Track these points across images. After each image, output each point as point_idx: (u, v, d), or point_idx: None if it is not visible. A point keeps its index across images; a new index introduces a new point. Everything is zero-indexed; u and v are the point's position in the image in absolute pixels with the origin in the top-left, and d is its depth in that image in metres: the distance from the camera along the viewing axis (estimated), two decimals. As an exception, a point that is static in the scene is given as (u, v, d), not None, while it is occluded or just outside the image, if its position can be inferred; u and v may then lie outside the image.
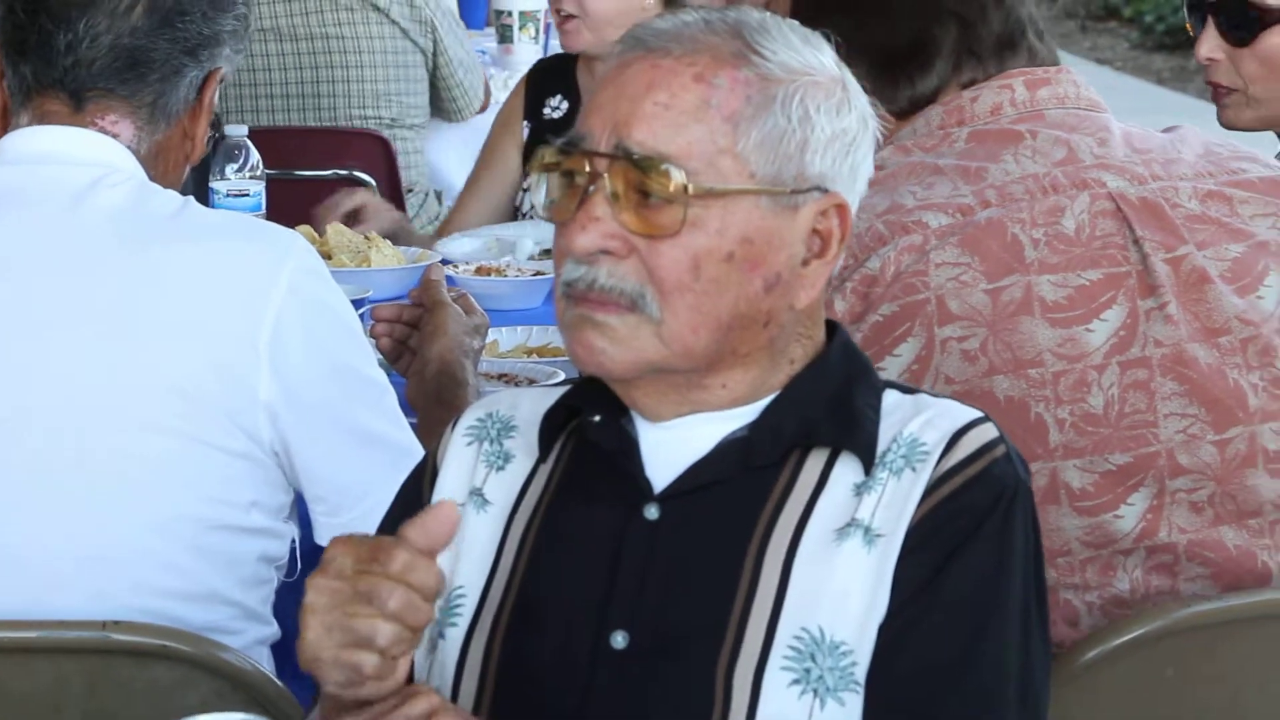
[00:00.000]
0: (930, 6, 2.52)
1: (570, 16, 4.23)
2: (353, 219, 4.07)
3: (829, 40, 1.94)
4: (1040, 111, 2.50)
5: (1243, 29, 3.09)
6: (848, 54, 2.52)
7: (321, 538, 2.43)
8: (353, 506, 2.39)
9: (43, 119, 2.44)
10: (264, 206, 3.78)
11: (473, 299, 2.95)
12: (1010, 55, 2.55)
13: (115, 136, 2.44)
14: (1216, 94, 3.16)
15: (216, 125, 4.03)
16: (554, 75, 4.40)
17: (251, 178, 3.77)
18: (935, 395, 1.95)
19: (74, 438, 2.32)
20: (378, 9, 5.07)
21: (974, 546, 1.85)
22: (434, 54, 5.17)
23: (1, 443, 2.32)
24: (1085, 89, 2.54)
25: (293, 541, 2.46)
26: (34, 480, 2.32)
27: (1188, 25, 3.18)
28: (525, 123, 4.39)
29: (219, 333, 2.33)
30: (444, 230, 4.37)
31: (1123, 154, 2.48)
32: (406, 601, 1.72)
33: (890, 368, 2.36)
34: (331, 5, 5.07)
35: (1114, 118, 2.55)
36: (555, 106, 4.37)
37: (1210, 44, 3.12)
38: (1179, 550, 2.39)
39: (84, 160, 2.41)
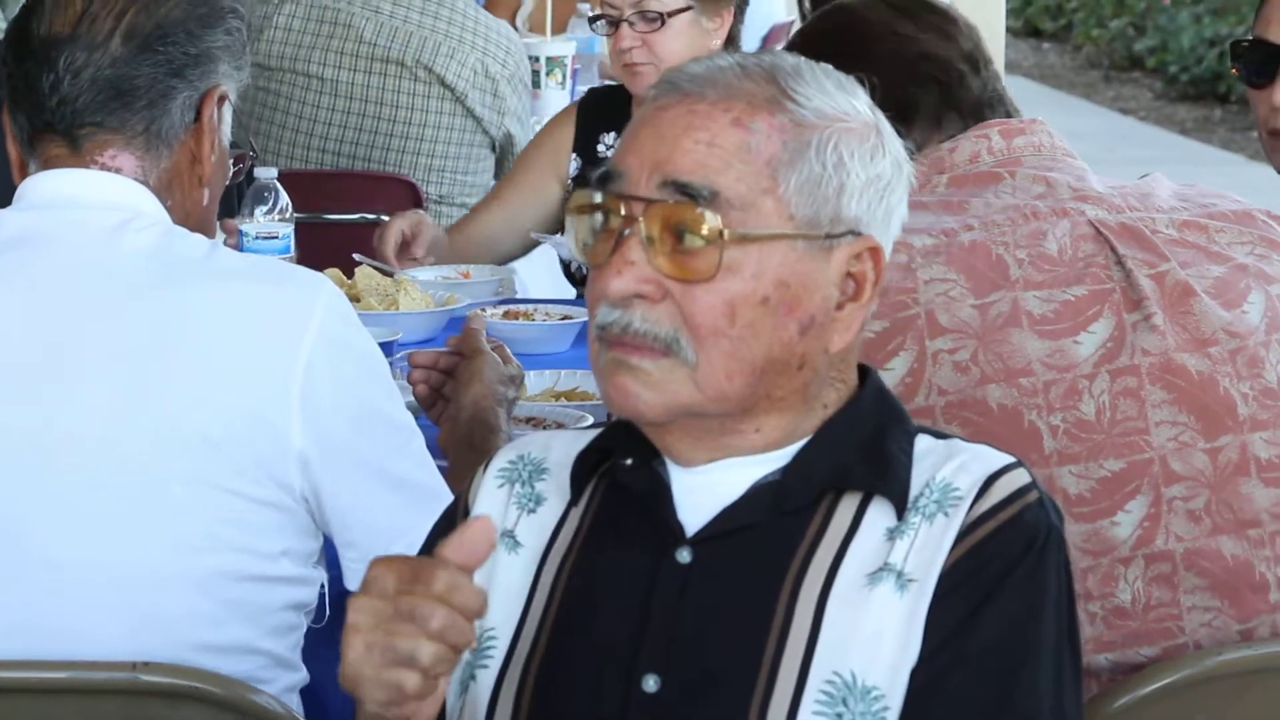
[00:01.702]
0: (910, 73, 2.61)
1: (639, 62, 4.19)
2: (407, 246, 4.07)
3: (863, 84, 1.95)
4: (1018, 158, 2.58)
5: None
6: None
7: (352, 583, 2.42)
8: (384, 551, 2.38)
9: (47, 164, 2.43)
10: (293, 249, 3.79)
11: (508, 350, 2.95)
12: (989, 114, 2.64)
13: (118, 171, 2.41)
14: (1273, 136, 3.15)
15: (245, 163, 4.03)
16: (607, 109, 4.34)
17: (280, 220, 3.78)
18: (967, 440, 1.95)
19: (100, 483, 2.30)
20: (452, 92, 4.98)
21: (1006, 592, 1.85)
22: (504, 142, 5.08)
23: (29, 478, 2.31)
24: (1058, 139, 2.62)
25: (322, 586, 2.45)
26: (59, 524, 2.31)
27: (1234, 70, 3.17)
28: (574, 155, 4.37)
29: (250, 380, 2.32)
30: (453, 234, 4.32)
31: (1100, 188, 2.55)
32: (449, 621, 1.72)
33: (884, 381, 2.41)
34: (408, 75, 4.98)
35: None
36: (610, 145, 4.32)
37: None
38: (1176, 559, 2.40)
39: (105, 204, 2.40)
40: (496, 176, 5.13)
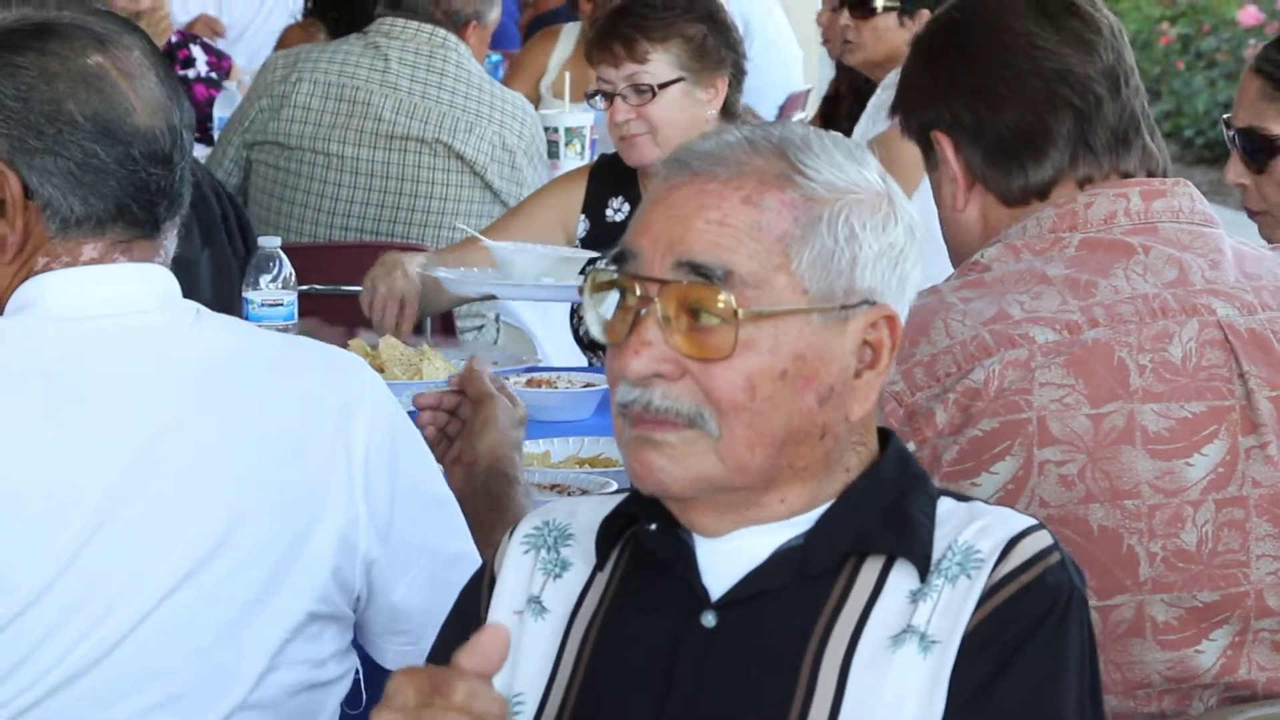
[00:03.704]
0: (1047, 96, 2.50)
1: (636, 134, 4.26)
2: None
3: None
4: (1154, 225, 2.47)
5: (1259, 156, 3.15)
6: (965, 137, 2.50)
7: (396, 665, 2.34)
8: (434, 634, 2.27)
9: (110, 253, 2.27)
10: (296, 316, 3.82)
11: (510, 388, 2.89)
12: (1125, 152, 2.52)
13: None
14: (1249, 214, 3.22)
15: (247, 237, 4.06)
16: (616, 175, 4.43)
17: (284, 288, 3.82)
18: (989, 500, 1.97)
19: (177, 613, 2.22)
20: (470, 166, 5.01)
21: (1028, 654, 1.87)
22: None
23: (114, 610, 2.21)
24: (1200, 203, 2.51)
25: (356, 672, 2.39)
26: (129, 649, 2.22)
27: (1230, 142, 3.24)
28: (583, 217, 4.43)
29: (324, 490, 2.24)
30: (446, 254, 4.31)
31: (1234, 278, 2.45)
32: None
33: (985, 485, 2.35)
34: (426, 150, 5.01)
35: (1225, 234, 2.52)
36: (617, 209, 4.41)
37: (1236, 169, 3.18)
38: (1257, 688, 2.38)
39: (148, 305, 2.29)
40: None
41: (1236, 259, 2.49)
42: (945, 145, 2.54)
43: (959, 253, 2.58)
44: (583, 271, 4.01)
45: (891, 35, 5.15)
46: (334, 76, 5.05)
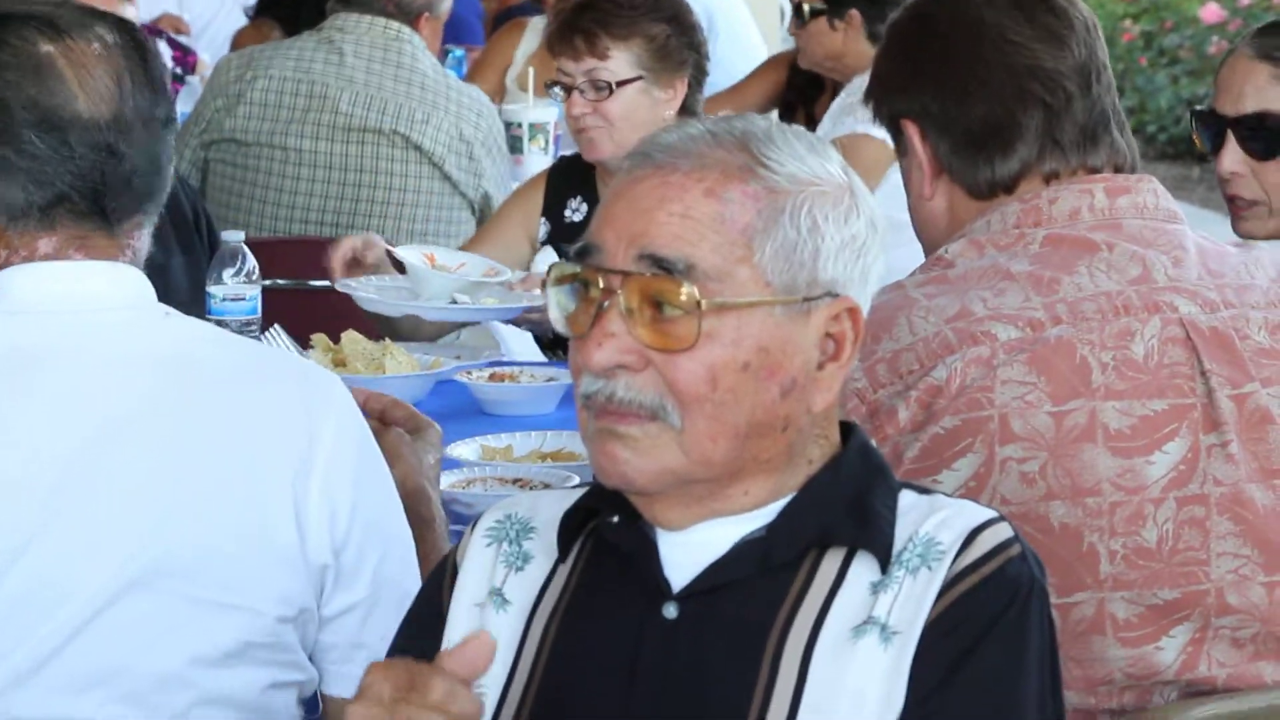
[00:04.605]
0: (1016, 91, 2.50)
1: (590, 127, 4.27)
2: (358, 263, 4.08)
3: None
4: (1118, 221, 2.47)
5: (1265, 143, 3.13)
6: (933, 128, 2.50)
7: (330, 686, 2.33)
8: (365, 661, 2.25)
9: (65, 248, 2.26)
10: (260, 310, 3.80)
11: (413, 408, 2.66)
12: (1092, 148, 2.52)
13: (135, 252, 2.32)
14: (1236, 207, 3.20)
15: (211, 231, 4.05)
16: (574, 176, 4.45)
17: (248, 282, 3.81)
18: (950, 496, 1.97)
19: (127, 611, 2.20)
20: (429, 158, 5.02)
21: (989, 645, 1.87)
22: (483, 203, 5.12)
23: (66, 604, 2.19)
24: (1164, 199, 2.51)
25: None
26: (86, 644, 2.20)
27: (1194, 138, 3.22)
28: (543, 220, 4.45)
29: (281, 501, 2.22)
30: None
31: (1196, 276, 2.45)
32: None
33: (947, 482, 2.35)
34: (385, 142, 5.02)
35: (1189, 230, 2.51)
36: (575, 209, 4.43)
37: (1232, 158, 3.15)
38: (1217, 684, 2.39)
39: (121, 302, 2.27)
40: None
41: (1199, 256, 2.49)
42: (913, 133, 2.54)
43: (927, 243, 2.59)
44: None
45: (825, 39, 5.25)
46: (289, 71, 5.05)
